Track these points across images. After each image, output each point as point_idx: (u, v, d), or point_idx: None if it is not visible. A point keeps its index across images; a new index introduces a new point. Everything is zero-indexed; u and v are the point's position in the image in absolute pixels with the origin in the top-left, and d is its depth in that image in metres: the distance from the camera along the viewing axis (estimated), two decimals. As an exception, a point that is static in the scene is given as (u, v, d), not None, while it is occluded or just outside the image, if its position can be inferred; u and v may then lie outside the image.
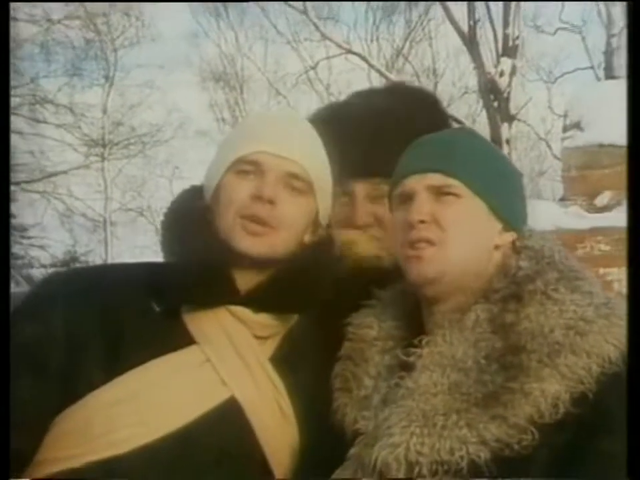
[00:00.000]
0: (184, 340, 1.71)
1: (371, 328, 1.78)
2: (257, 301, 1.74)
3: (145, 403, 1.63)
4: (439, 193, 1.68)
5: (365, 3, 24.90)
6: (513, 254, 1.70)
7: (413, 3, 23.91)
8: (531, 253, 1.68)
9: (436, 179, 1.69)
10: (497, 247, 1.71)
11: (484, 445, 1.45)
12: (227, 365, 1.70)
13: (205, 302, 1.72)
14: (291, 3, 19.69)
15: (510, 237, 1.72)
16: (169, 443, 1.61)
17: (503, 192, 1.74)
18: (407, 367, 1.63)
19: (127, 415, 1.62)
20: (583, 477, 1.42)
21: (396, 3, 24.40)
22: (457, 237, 1.67)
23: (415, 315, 1.75)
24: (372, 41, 24.12)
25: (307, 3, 19.55)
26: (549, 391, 1.45)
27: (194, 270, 1.72)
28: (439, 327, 1.65)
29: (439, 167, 1.69)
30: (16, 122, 25.61)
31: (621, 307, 1.60)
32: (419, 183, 1.70)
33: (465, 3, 18.31)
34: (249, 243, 1.71)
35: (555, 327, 1.52)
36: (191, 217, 1.79)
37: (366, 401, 1.68)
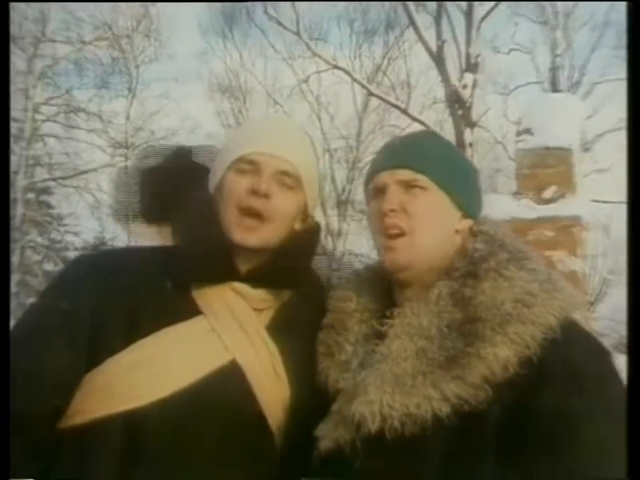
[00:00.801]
0: (192, 312, 1.72)
1: (350, 301, 1.80)
2: (255, 278, 1.77)
3: (159, 364, 1.65)
4: (408, 186, 1.70)
5: (349, 26, 24.73)
6: (470, 238, 1.72)
7: (389, 27, 23.71)
8: (485, 237, 1.70)
9: (405, 174, 1.71)
10: (457, 232, 1.73)
11: (446, 401, 1.47)
12: (228, 333, 1.72)
13: (211, 280, 1.75)
14: (287, 25, 19.57)
15: (468, 223, 1.75)
16: (180, 398, 1.62)
17: (462, 185, 1.76)
18: (381, 336, 1.65)
19: (144, 374, 1.64)
20: (528, 428, 1.44)
21: (376, 26, 24.24)
22: (423, 224, 1.68)
23: (387, 290, 1.79)
24: (355, 58, 24.06)
25: (300, 25, 19.43)
26: (500, 354, 1.47)
27: (201, 253, 1.75)
28: (407, 300, 1.67)
29: (407, 164, 1.72)
30: (53, 128, 25.86)
31: (561, 283, 1.62)
32: (390, 178, 1.72)
33: (434, 26, 18.22)
34: (244, 237, 1.74)
35: (505, 300, 1.54)
36: (198, 209, 1.81)
37: (346, 365, 1.70)
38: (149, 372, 1.64)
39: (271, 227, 1.76)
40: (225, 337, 1.71)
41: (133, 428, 1.60)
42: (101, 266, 1.82)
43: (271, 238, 1.77)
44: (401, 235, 1.67)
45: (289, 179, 1.79)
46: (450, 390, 1.47)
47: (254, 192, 1.74)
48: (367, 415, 1.51)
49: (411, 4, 18.19)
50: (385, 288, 1.79)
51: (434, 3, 18.88)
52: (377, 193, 1.74)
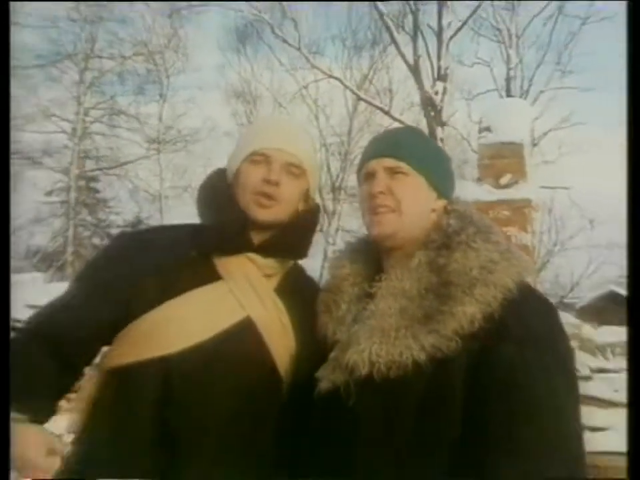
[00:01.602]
0: (214, 277, 1.73)
1: (344, 267, 1.80)
2: (266, 249, 1.77)
3: (187, 319, 1.66)
4: (393, 172, 1.69)
5: (342, 43, 24.66)
6: (444, 215, 1.70)
7: (375, 44, 23.64)
8: (457, 214, 1.68)
9: (390, 162, 1.70)
10: (433, 210, 1.71)
11: (423, 350, 1.47)
12: (244, 294, 1.73)
13: (229, 251, 1.75)
14: (290, 42, 19.57)
15: (442, 203, 1.73)
16: (204, 347, 1.63)
17: (437, 171, 1.74)
18: (370, 296, 1.64)
19: (175, 327, 1.65)
20: (490, 372, 1.44)
21: (364, 43, 24.16)
22: (405, 203, 1.67)
23: (375, 259, 1.77)
24: (347, 69, 23.99)
25: (301, 42, 19.41)
26: (468, 312, 1.47)
27: (223, 229, 1.75)
28: (392, 267, 1.66)
29: (392, 154, 1.70)
30: (100, 127, 26.16)
31: (517, 252, 1.63)
32: (378, 165, 1.71)
33: (411, 43, 18.24)
34: (259, 213, 1.75)
35: (473, 267, 1.54)
36: (219, 193, 1.81)
37: (341, 320, 1.69)
38: (179, 325, 1.64)
39: (280, 207, 1.76)
40: (241, 298, 1.71)
41: (166, 371, 1.61)
42: (139, 240, 1.84)
43: (280, 216, 1.77)
44: (388, 211, 1.66)
45: (295, 169, 1.79)
46: (427, 341, 1.47)
47: (266, 180, 1.74)
48: (359, 361, 1.51)
49: (392, 25, 18.20)
50: (373, 257, 1.77)
51: (410, 23, 18.89)
52: (367, 177, 1.73)
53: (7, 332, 1.76)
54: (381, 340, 1.52)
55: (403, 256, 1.66)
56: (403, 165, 1.69)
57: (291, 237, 1.81)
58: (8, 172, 1.73)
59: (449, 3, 18.22)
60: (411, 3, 18.76)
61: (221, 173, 1.87)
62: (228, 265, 1.75)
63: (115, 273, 1.72)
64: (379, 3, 18.14)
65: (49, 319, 1.73)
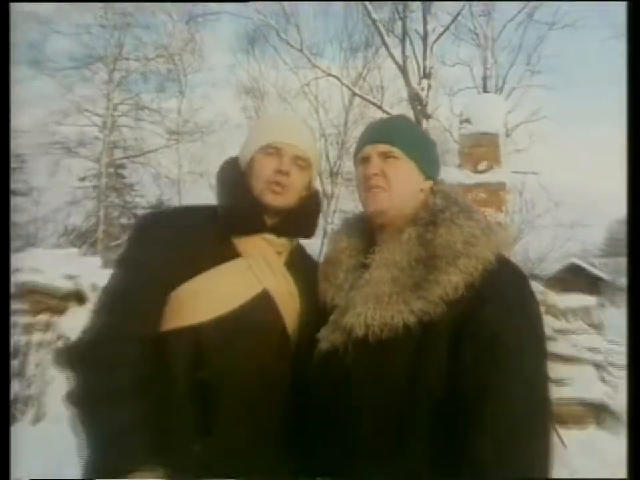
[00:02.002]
0: (233, 254, 1.74)
1: (342, 241, 1.80)
2: (278, 230, 1.79)
3: (213, 292, 1.66)
4: (385, 156, 1.69)
5: (339, 45, 24.50)
6: (431, 195, 1.70)
7: (368, 46, 23.51)
8: (442, 195, 1.68)
9: (383, 147, 1.70)
10: (421, 190, 1.71)
11: (412, 313, 1.48)
12: (261, 269, 1.75)
13: (247, 232, 1.76)
14: (293, 45, 19.57)
15: (429, 184, 1.73)
16: (230, 316, 1.65)
17: (425, 155, 1.74)
18: (366, 266, 1.64)
19: (203, 298, 1.65)
20: (471, 330, 1.45)
21: (358, 45, 24.02)
22: (396, 183, 1.67)
23: (369, 233, 1.77)
24: (343, 68, 23.82)
25: (303, 44, 19.42)
26: (452, 280, 1.48)
27: (240, 212, 1.76)
28: (385, 241, 1.66)
29: (385, 139, 1.70)
30: (127, 120, 26.01)
31: (496, 228, 1.63)
32: (372, 150, 1.71)
33: (400, 46, 18.24)
34: (273, 199, 1.77)
35: (457, 241, 1.54)
36: (235, 180, 1.81)
37: (339, 287, 1.69)
38: (207, 298, 1.65)
39: (289, 194, 1.78)
40: (258, 273, 1.73)
41: (198, 337, 1.61)
42: (163, 219, 1.82)
43: (289, 202, 1.78)
44: (381, 191, 1.66)
45: (302, 162, 1.81)
46: (416, 305, 1.48)
47: (279, 171, 1.76)
48: (356, 323, 1.53)
49: (383, 30, 18.14)
50: (367, 232, 1.77)
51: (399, 28, 18.85)
52: (362, 161, 1.73)
53: (7, 332, 1.74)
54: (375, 305, 1.52)
55: (394, 231, 1.65)
56: (395, 150, 1.68)
57: (299, 219, 1.82)
58: (8, 170, 1.71)
59: (432, 10, 18.29)
60: (400, 10, 18.72)
61: (234, 161, 1.87)
62: (246, 244, 1.76)
63: (146, 250, 1.70)
64: (371, 11, 18.08)
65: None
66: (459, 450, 1.39)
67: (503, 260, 1.57)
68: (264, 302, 1.71)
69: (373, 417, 1.51)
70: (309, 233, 1.86)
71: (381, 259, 1.61)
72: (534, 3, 22.10)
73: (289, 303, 1.75)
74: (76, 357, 1.59)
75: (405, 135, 1.72)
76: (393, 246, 1.61)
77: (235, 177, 1.82)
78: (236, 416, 1.59)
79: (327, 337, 1.60)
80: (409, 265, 1.55)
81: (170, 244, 1.69)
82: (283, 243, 1.81)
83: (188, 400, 1.58)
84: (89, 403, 1.53)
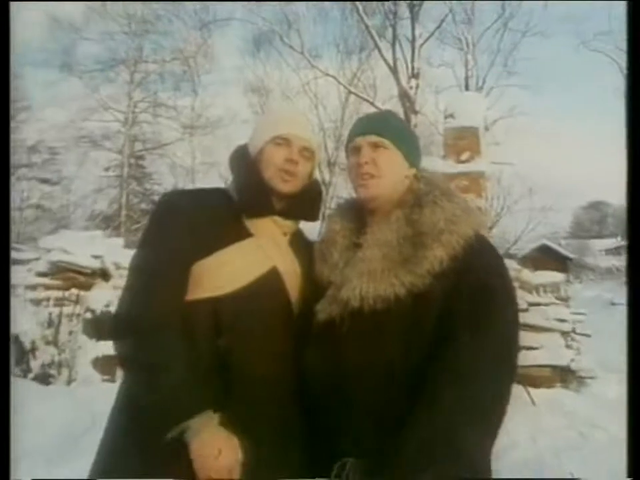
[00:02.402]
0: (245, 234, 1.71)
1: (336, 223, 1.77)
2: (285, 213, 1.77)
3: (230, 267, 1.65)
4: (375, 146, 1.67)
5: (336, 48, 24.38)
6: (415, 181, 1.68)
7: (362, 49, 23.37)
8: (425, 180, 1.67)
9: (373, 138, 1.67)
10: (406, 177, 1.68)
11: (403, 286, 1.48)
12: (270, 248, 1.73)
13: (257, 214, 1.74)
14: (295, 48, 19.57)
15: (413, 171, 1.70)
16: (244, 289, 1.63)
17: (409, 146, 1.71)
18: (359, 246, 1.62)
19: (221, 272, 1.64)
20: (459, 295, 1.47)
21: (353, 48, 23.90)
22: (386, 171, 1.65)
23: (361, 216, 1.74)
24: (340, 69, 23.59)
25: (304, 48, 19.48)
26: (437, 255, 1.48)
27: (252, 197, 1.73)
28: (376, 223, 1.63)
29: (375, 131, 1.68)
30: (146, 116, 26.02)
31: (475, 210, 1.64)
32: (363, 141, 1.68)
33: (391, 49, 18.21)
34: (283, 186, 1.74)
35: (440, 219, 1.54)
36: (247, 167, 1.78)
37: (334, 265, 1.67)
38: (224, 272, 1.64)
39: (297, 181, 1.76)
40: (268, 251, 1.72)
41: (216, 308, 1.60)
42: (182, 199, 1.77)
43: (296, 188, 1.77)
44: (371, 178, 1.65)
45: (307, 152, 1.78)
46: (406, 279, 1.48)
47: (288, 160, 1.74)
48: (351, 296, 1.52)
49: (375, 35, 18.09)
50: (358, 215, 1.75)
51: (390, 34, 18.81)
52: (354, 151, 1.71)
53: (7, 330, 1.69)
54: (369, 279, 1.51)
55: (383, 214, 1.64)
56: (384, 141, 1.66)
57: (305, 204, 1.81)
58: (8, 168, 1.66)
59: (420, 17, 18.32)
60: (390, 17, 18.68)
61: (244, 150, 1.84)
62: (256, 225, 1.73)
63: (168, 225, 1.68)
64: (365, 17, 18.00)
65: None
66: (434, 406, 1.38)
67: (481, 237, 1.56)
68: (273, 278, 1.69)
69: (367, 380, 1.49)
70: (313, 217, 1.84)
71: (373, 239, 1.59)
72: (508, 13, 22.42)
73: (293, 280, 1.74)
74: (118, 326, 1.58)
75: (392, 127, 1.70)
76: (383, 226, 1.60)
77: (246, 164, 1.79)
78: (250, 377, 1.59)
79: (325, 309, 1.59)
80: (398, 243, 1.54)
81: (187, 223, 1.65)
82: (289, 224, 1.79)
83: (209, 364, 1.56)
84: (138, 366, 1.53)
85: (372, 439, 1.48)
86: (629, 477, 1.44)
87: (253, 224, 1.73)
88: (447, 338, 1.44)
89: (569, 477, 3.88)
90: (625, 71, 26.01)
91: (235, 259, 1.66)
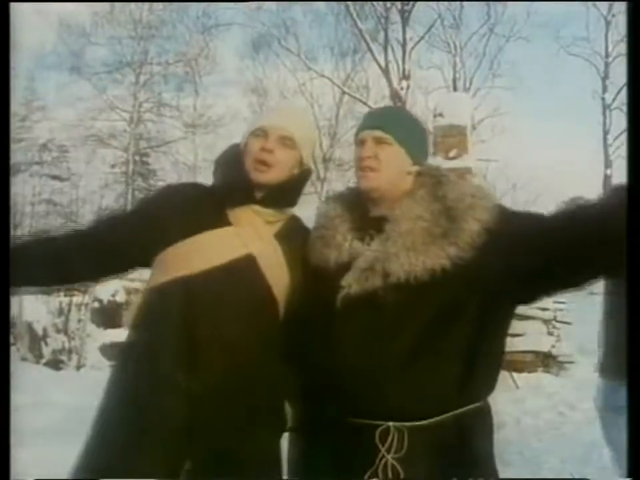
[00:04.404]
0: (225, 223, 1.66)
1: (335, 209, 1.69)
2: (265, 202, 1.68)
3: (203, 249, 1.62)
4: (379, 141, 1.61)
5: (331, 51, 24.35)
6: (418, 176, 1.62)
7: (356, 51, 23.35)
8: (431, 169, 1.63)
9: (377, 133, 1.61)
10: (409, 173, 1.61)
11: (449, 258, 1.43)
12: (248, 236, 1.67)
13: (238, 203, 1.67)
14: (293, 50, 19.58)
15: (416, 168, 1.62)
16: (218, 269, 1.59)
17: (414, 143, 1.65)
18: (377, 227, 1.56)
19: (194, 253, 1.60)
20: (504, 264, 1.43)
21: (347, 51, 23.87)
22: (386, 167, 1.59)
23: (362, 204, 1.66)
24: (335, 70, 23.56)
25: (300, 50, 19.49)
26: (473, 228, 1.44)
27: (231, 187, 1.68)
28: (387, 209, 1.57)
29: (381, 127, 1.62)
30: (150, 116, 25.89)
31: (486, 187, 1.64)
32: (368, 135, 1.62)
33: (383, 52, 18.23)
34: (258, 176, 1.66)
35: (465, 194, 1.51)
36: (230, 160, 1.73)
37: (341, 246, 1.60)
38: (198, 253, 1.61)
39: (274, 171, 1.68)
40: (245, 239, 1.65)
41: (188, 287, 1.57)
42: (175, 193, 1.75)
43: (274, 178, 1.68)
44: (371, 171, 1.60)
45: (288, 141, 1.70)
46: (450, 251, 1.44)
47: (263, 149, 1.67)
48: (396, 269, 1.47)
49: (368, 38, 18.09)
50: (359, 202, 1.67)
51: (382, 37, 18.80)
52: (359, 143, 1.65)
53: (7, 330, 1.65)
54: (413, 253, 1.46)
55: (389, 202, 1.59)
56: (387, 136, 1.61)
57: (283, 192, 1.72)
58: (8, 167, 1.62)
59: (410, 22, 18.33)
60: (382, 21, 18.68)
61: (235, 147, 1.79)
62: (236, 214, 1.67)
63: (157, 210, 1.67)
64: (358, 22, 18.01)
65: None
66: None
67: (504, 208, 1.53)
68: (247, 263, 1.63)
69: (398, 352, 1.44)
70: (290, 203, 1.77)
71: (404, 215, 1.53)
72: (494, 18, 23.07)
73: (275, 269, 1.67)
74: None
75: (398, 124, 1.65)
76: (411, 203, 1.55)
77: (231, 157, 1.74)
78: (217, 356, 1.55)
79: (357, 283, 1.51)
80: (433, 217, 1.50)
81: (168, 213, 1.64)
82: (271, 213, 1.70)
83: (177, 345, 1.55)
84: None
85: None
86: (629, 476, 1.36)
87: (233, 214, 1.67)
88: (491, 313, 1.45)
89: (569, 476, 3.89)
90: (602, 74, 26.28)
91: (209, 242, 1.63)
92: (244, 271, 1.62)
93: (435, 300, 1.45)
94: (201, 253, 1.62)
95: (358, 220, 1.64)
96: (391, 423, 1.43)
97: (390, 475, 1.41)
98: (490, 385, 1.53)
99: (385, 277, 1.47)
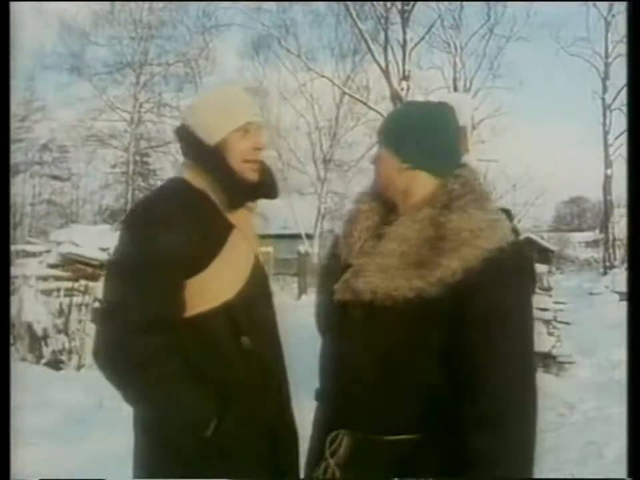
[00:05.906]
0: (229, 227, 1.60)
1: (365, 203, 1.59)
2: (259, 196, 1.67)
3: (229, 274, 1.57)
4: (378, 156, 1.58)
5: (331, 51, 24.36)
6: (451, 178, 1.50)
7: (356, 52, 23.38)
8: (462, 180, 1.49)
9: (393, 156, 1.54)
10: (399, 170, 1.52)
11: (411, 290, 1.37)
12: (250, 235, 1.66)
13: (239, 206, 1.62)
14: (292, 51, 19.70)
15: (405, 166, 1.52)
16: (246, 284, 1.59)
17: (400, 143, 1.54)
18: (380, 236, 1.49)
19: (224, 280, 1.56)
20: (470, 314, 1.35)
21: (348, 51, 23.90)
22: (377, 167, 1.57)
23: (392, 202, 1.56)
24: (335, 71, 23.59)
25: (300, 51, 19.64)
26: (451, 266, 1.36)
27: (231, 191, 1.59)
28: (403, 216, 1.48)
29: (397, 151, 1.54)
30: (150, 116, 26.15)
31: (502, 221, 1.45)
32: (386, 153, 1.56)
33: (383, 53, 18.30)
34: (252, 176, 1.61)
35: (464, 229, 1.39)
36: (218, 162, 1.62)
37: (351, 248, 1.55)
38: (226, 279, 1.56)
39: (262, 164, 1.66)
40: (249, 239, 1.65)
41: (230, 309, 1.55)
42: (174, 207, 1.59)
43: (264, 171, 1.67)
44: (375, 175, 1.59)
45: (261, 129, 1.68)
46: (415, 283, 1.38)
47: (257, 148, 1.62)
48: (364, 289, 1.43)
49: (369, 39, 18.14)
50: (389, 202, 1.58)
51: (382, 38, 18.86)
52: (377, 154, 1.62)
53: (7, 330, 1.62)
54: (382, 276, 1.42)
55: (413, 208, 1.51)
56: (380, 138, 1.57)
57: (273, 182, 1.71)
58: (8, 167, 1.60)
59: (410, 23, 18.32)
60: (383, 22, 18.69)
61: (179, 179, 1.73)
62: (236, 216, 1.62)
63: (161, 212, 1.54)
64: (358, 22, 18.02)
65: None
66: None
67: (511, 247, 1.42)
68: (257, 265, 1.65)
69: (373, 361, 1.44)
70: (275, 194, 1.74)
71: (395, 233, 1.47)
72: (493, 19, 23.26)
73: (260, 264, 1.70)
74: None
75: (389, 125, 1.58)
76: (408, 222, 1.47)
77: (209, 157, 1.62)
78: (267, 369, 1.60)
79: (339, 292, 1.49)
80: (417, 244, 1.43)
81: (175, 225, 1.51)
82: (254, 205, 1.70)
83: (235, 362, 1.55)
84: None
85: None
86: (629, 476, 1.35)
87: (232, 216, 1.62)
88: (455, 353, 1.38)
89: (569, 476, 3.89)
90: (602, 75, 26.29)
91: (229, 266, 1.57)
92: (258, 270, 1.64)
93: (396, 327, 1.42)
94: (230, 274, 1.57)
95: (378, 221, 1.58)
96: (342, 431, 1.46)
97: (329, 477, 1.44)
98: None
99: (356, 293, 1.45)
